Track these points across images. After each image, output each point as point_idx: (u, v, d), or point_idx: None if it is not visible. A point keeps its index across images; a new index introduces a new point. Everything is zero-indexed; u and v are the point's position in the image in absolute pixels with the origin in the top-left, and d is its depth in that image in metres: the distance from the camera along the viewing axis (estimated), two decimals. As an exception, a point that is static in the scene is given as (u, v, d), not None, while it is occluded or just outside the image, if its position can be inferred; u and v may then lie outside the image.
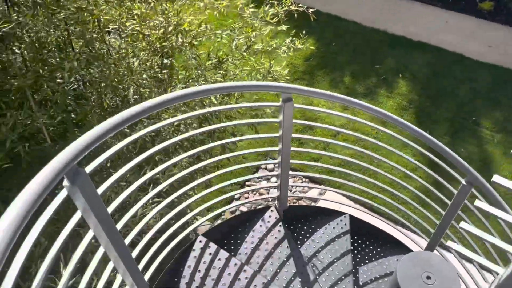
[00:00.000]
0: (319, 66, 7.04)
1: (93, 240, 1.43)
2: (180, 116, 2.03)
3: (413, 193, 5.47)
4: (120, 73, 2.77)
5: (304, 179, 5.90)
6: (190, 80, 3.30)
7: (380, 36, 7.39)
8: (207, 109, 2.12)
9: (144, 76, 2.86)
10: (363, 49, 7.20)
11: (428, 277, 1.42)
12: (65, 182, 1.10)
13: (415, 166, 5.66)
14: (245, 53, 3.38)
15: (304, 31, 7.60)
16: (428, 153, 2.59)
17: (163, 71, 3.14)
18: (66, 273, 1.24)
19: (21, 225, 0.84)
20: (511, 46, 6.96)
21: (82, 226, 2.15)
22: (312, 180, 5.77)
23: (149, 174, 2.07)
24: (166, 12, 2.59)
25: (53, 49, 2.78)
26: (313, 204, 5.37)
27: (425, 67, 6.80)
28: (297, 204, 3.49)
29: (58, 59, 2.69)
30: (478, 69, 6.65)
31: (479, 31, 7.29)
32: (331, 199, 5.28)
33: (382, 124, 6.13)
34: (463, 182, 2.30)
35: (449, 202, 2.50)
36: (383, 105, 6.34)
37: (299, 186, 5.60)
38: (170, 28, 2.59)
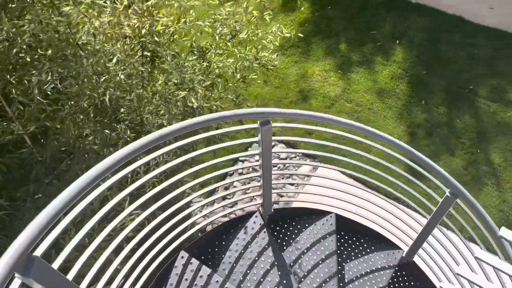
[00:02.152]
0: (314, 32, 6.78)
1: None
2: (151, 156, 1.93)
3: (407, 167, 5.47)
4: (94, 79, 2.65)
5: (297, 154, 5.87)
6: (171, 74, 3.17)
7: (378, -3, 7.06)
8: (185, 140, 2.00)
9: (122, 76, 2.74)
10: (360, 13, 6.89)
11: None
12: (17, 274, 1.06)
13: (410, 139, 5.63)
14: (229, 43, 3.23)
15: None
16: (412, 164, 2.51)
17: (144, 67, 3.01)
18: None
19: None
20: (513, 8, 6.65)
21: None
22: (305, 155, 5.74)
23: (130, 188, 2.03)
24: (140, 12, 2.43)
25: (22, 51, 2.63)
26: (301, 183, 5.37)
27: (423, 32, 6.54)
28: (282, 207, 3.43)
29: (28, 64, 2.57)
30: (478, 34, 6.40)
31: (481, -10, 6.94)
32: (323, 175, 5.28)
33: (378, 95, 6.02)
34: (447, 193, 2.26)
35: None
36: (379, 74, 6.18)
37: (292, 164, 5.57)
38: (143, 31, 2.44)
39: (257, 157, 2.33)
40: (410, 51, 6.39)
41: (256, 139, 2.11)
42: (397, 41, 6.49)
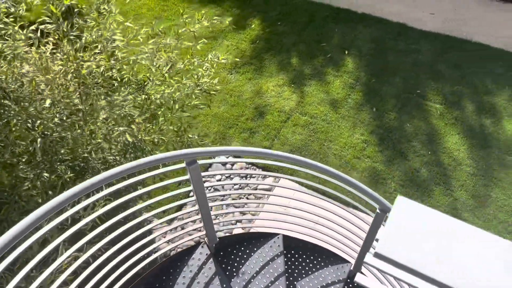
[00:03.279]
0: (265, 48, 6.92)
1: None
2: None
3: (363, 174, 5.61)
4: (30, 123, 2.64)
5: (258, 168, 5.95)
6: (113, 110, 3.17)
7: (326, 11, 7.27)
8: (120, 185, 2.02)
9: (57, 120, 2.73)
10: (309, 26, 7.08)
11: None
12: None
13: (364, 146, 5.78)
14: (166, 75, 3.27)
15: (247, 11, 7.37)
16: (343, 185, 2.59)
17: (82, 105, 3.01)
18: None
19: None
20: (451, 12, 6.98)
21: None
22: (265, 169, 5.82)
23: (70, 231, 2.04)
24: (65, 57, 2.44)
25: None
26: (259, 201, 5.44)
27: (370, 41, 6.77)
28: (228, 235, 3.45)
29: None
30: (421, 39, 6.68)
31: (421, -3, 7.26)
32: (284, 189, 5.36)
33: (332, 106, 6.17)
34: (378, 210, 2.35)
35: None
36: (331, 85, 6.34)
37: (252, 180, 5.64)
38: (69, 76, 2.45)
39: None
40: (359, 60, 6.60)
41: (187, 177, 2.15)
42: (346, 52, 6.69)
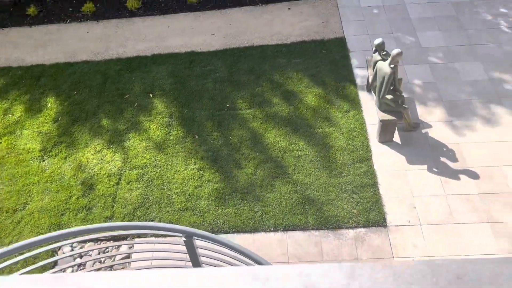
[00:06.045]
0: (70, 121, 6.58)
1: None
2: None
3: (210, 199, 5.65)
4: None
5: (109, 241, 5.57)
6: None
7: (116, 65, 7.26)
8: None
9: None
10: (107, 85, 6.98)
11: None
12: None
13: (201, 173, 5.88)
14: None
15: (38, 93, 6.87)
16: (145, 231, 2.54)
17: None
18: None
19: None
20: (228, 27, 7.64)
21: None
22: (116, 238, 5.48)
23: None
24: None
25: None
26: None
27: (169, 77, 6.98)
28: None
29: None
30: (212, 59, 7.13)
31: (198, 24, 7.78)
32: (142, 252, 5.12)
33: (157, 149, 6.14)
34: (183, 238, 2.36)
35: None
36: (149, 130, 6.32)
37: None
38: None
39: None
40: (166, 98, 6.73)
41: None
42: (151, 95, 6.77)
